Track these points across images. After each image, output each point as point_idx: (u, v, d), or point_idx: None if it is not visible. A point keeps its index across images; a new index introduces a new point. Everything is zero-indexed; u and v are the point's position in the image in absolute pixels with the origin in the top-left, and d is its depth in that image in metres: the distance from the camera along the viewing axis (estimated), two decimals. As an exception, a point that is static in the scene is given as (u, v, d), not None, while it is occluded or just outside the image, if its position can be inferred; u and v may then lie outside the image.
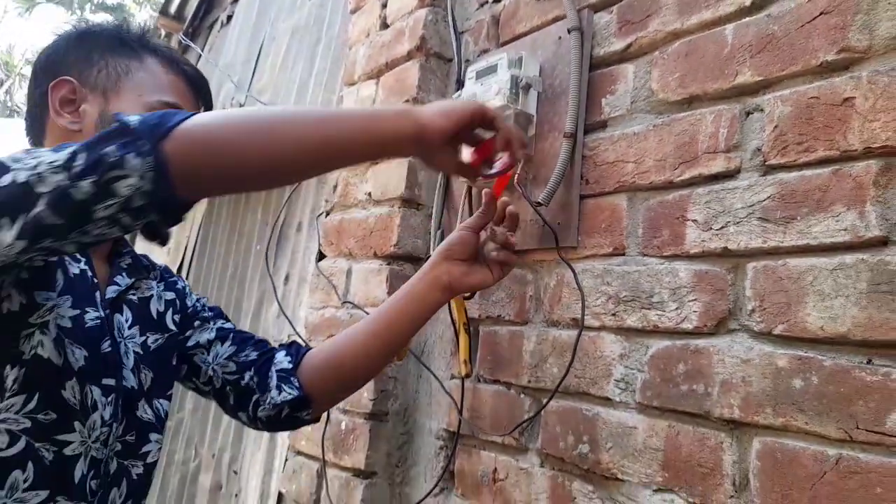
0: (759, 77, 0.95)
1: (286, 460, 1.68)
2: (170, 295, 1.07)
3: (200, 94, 1.02)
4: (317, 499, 1.49)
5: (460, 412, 1.29)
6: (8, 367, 0.78)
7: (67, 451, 0.81)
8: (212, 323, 1.11)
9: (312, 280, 1.70)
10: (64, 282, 0.85)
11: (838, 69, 0.87)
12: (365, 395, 1.41)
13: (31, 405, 0.79)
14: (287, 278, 2.12)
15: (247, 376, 1.07)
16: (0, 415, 0.77)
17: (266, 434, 2.01)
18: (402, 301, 1.04)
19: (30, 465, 0.78)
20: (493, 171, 0.95)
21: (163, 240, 1.02)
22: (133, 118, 0.68)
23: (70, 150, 0.67)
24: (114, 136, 0.67)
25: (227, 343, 1.10)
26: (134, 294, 1.00)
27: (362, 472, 1.39)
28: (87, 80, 0.93)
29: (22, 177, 0.66)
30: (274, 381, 1.05)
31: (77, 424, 0.83)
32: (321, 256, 1.71)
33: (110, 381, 0.89)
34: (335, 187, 1.70)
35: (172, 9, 3.77)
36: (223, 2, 3.42)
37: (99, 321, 0.89)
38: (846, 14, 0.87)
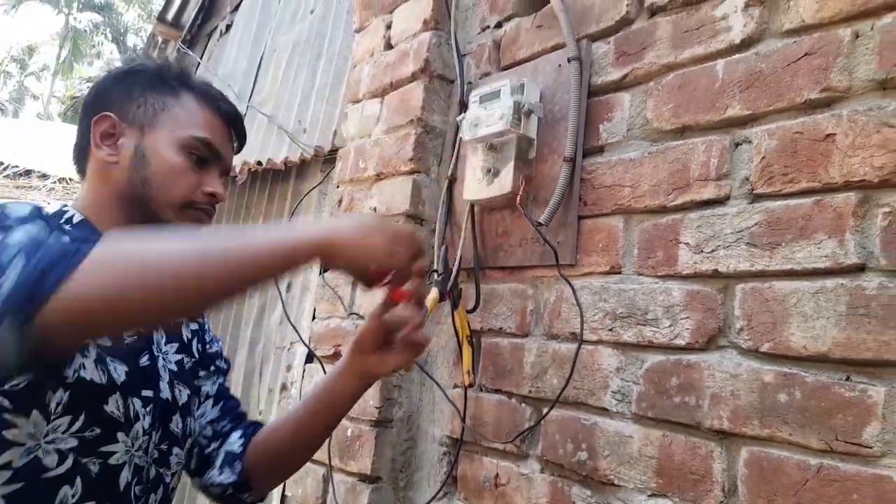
0: (748, 111, 1.02)
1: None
2: (194, 325, 1.13)
3: (234, 129, 1.06)
4: (323, 502, 1.55)
5: (463, 420, 1.35)
6: (50, 393, 0.82)
7: (112, 461, 0.87)
8: (217, 377, 1.16)
9: (318, 291, 1.76)
10: None
11: (821, 107, 0.95)
12: (371, 403, 1.47)
13: (78, 424, 0.84)
14: (289, 287, 2.17)
15: (213, 446, 1.11)
16: (48, 436, 0.82)
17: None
18: (322, 392, 1.06)
19: (78, 479, 0.83)
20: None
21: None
22: (11, 275, 0.66)
23: None
24: None
25: (217, 406, 1.13)
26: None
27: (368, 477, 1.45)
28: (127, 115, 0.98)
29: None
30: (219, 461, 1.10)
31: (121, 435, 0.88)
32: (326, 268, 1.77)
33: (149, 393, 0.95)
34: (340, 202, 1.76)
35: (170, 15, 3.81)
36: (222, 11, 3.46)
37: (136, 337, 0.95)
38: (828, 56, 0.94)
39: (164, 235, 0.75)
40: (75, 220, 0.95)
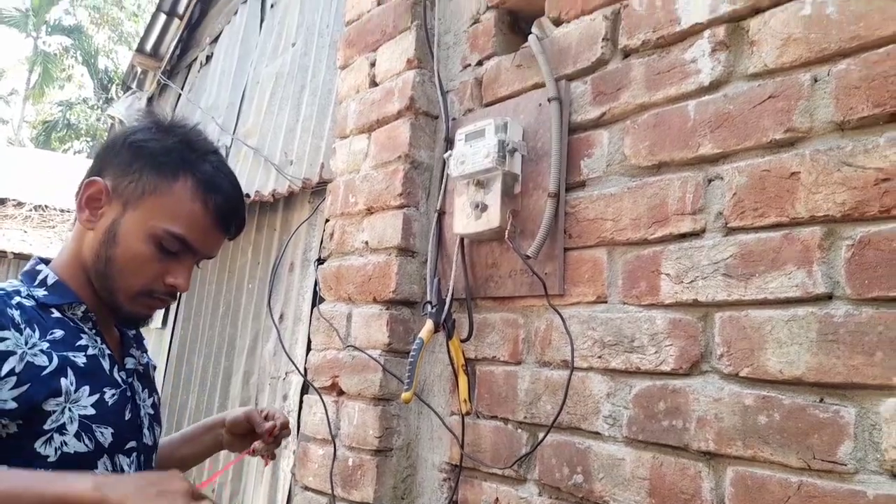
0: (719, 149, 1.09)
1: (291, 495, 1.78)
2: (154, 362, 1.22)
3: (225, 224, 1.05)
4: (327, 531, 1.59)
5: (462, 446, 1.40)
6: None
7: None
8: None
9: (314, 323, 1.80)
10: (77, 375, 0.92)
11: (785, 146, 1.02)
12: (370, 433, 1.52)
13: None
14: (282, 317, 2.21)
15: None
16: None
17: (268, 469, 2.09)
18: (190, 437, 1.31)
19: None
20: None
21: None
22: None
23: None
24: None
25: None
26: (142, 362, 1.13)
27: (371, 505, 1.49)
28: (118, 186, 0.98)
29: None
30: None
31: None
32: (320, 300, 1.81)
33: (132, 444, 1.01)
34: (331, 235, 1.81)
35: (148, 46, 3.84)
36: (201, 42, 3.50)
37: (117, 395, 0.99)
38: (791, 99, 1.01)
39: None
40: (49, 281, 0.99)
